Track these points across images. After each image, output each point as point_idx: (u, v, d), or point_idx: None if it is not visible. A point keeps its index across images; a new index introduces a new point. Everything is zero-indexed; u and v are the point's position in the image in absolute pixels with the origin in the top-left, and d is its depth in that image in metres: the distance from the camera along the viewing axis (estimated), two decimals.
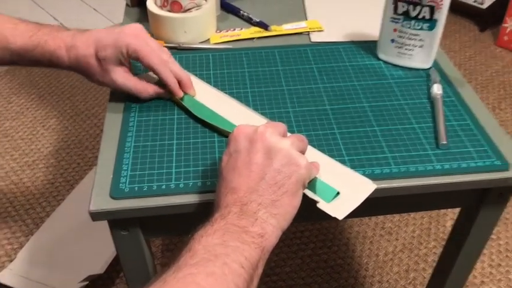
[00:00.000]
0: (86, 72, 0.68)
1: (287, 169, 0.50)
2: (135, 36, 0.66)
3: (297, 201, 0.51)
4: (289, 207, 0.50)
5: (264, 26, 0.89)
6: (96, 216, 0.57)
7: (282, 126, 0.55)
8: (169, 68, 0.68)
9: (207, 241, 0.45)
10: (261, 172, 0.50)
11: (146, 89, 0.70)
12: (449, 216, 1.37)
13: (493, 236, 1.29)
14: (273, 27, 0.88)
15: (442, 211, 1.39)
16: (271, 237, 0.48)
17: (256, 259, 0.45)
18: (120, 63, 0.67)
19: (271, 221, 0.48)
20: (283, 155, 0.51)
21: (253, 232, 0.47)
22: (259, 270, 0.46)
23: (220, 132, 0.66)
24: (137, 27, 0.68)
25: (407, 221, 1.36)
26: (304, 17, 0.93)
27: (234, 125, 0.66)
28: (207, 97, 0.72)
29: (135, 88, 0.69)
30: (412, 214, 1.39)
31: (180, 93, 0.69)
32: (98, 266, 1.16)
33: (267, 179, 0.50)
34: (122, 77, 0.68)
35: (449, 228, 1.32)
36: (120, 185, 0.59)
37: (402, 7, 0.74)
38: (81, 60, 0.66)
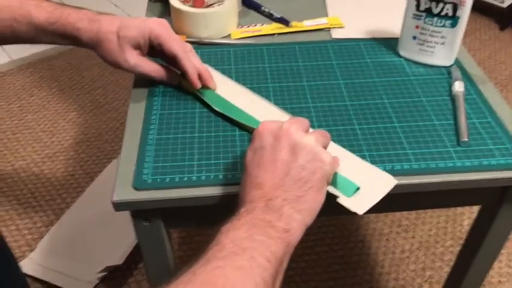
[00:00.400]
0: (101, 47, 0.68)
1: (312, 165, 0.51)
2: (160, 24, 0.68)
3: (322, 197, 0.52)
4: (314, 202, 0.50)
5: (284, 22, 0.89)
6: (119, 206, 0.58)
7: (305, 122, 0.55)
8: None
9: (235, 235, 0.45)
10: (286, 168, 0.50)
11: (159, 69, 0.71)
12: (466, 215, 1.37)
13: (510, 236, 1.28)
14: (293, 23, 0.89)
15: (459, 210, 1.38)
16: (296, 233, 0.48)
17: (282, 254, 0.46)
18: (138, 47, 0.68)
19: (296, 217, 0.49)
20: (307, 151, 0.51)
21: (279, 227, 0.47)
22: (284, 265, 0.47)
23: (243, 127, 0.67)
24: (162, 20, 0.70)
25: (424, 219, 1.36)
26: (325, 14, 0.93)
27: (257, 120, 0.66)
28: (228, 91, 0.72)
29: (148, 68, 0.70)
30: (429, 212, 1.38)
31: (199, 85, 0.70)
32: (117, 257, 1.18)
33: (292, 174, 0.50)
34: (135, 58, 0.69)
35: (466, 227, 1.32)
36: (143, 176, 0.60)
37: (425, 4, 0.74)
38: (102, 34, 0.67)
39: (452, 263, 0.88)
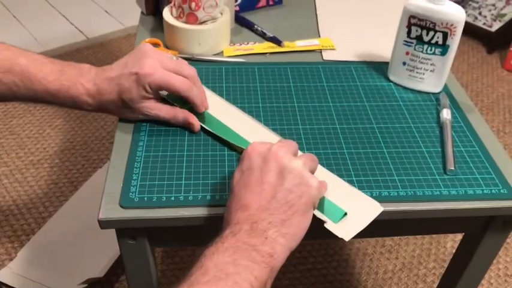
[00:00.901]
0: (115, 113, 0.69)
1: (298, 189, 0.51)
2: (153, 72, 0.64)
3: (307, 222, 0.52)
4: (299, 227, 0.51)
5: (277, 41, 0.90)
6: (104, 224, 0.58)
7: (294, 145, 0.56)
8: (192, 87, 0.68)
9: (219, 259, 0.45)
10: (272, 191, 0.51)
11: (176, 115, 0.69)
12: (450, 237, 1.38)
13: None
14: (286, 43, 0.89)
15: None
16: (280, 257, 0.48)
17: (265, 278, 0.46)
18: (148, 98, 0.66)
19: (281, 241, 0.49)
20: (295, 175, 0.52)
21: (263, 251, 0.47)
22: None
23: (232, 147, 0.67)
24: (150, 59, 0.65)
25: (407, 240, 1.36)
26: (317, 34, 0.94)
27: (247, 141, 0.66)
28: (219, 110, 0.72)
29: (171, 117, 0.69)
30: None
31: (203, 109, 0.70)
32: (98, 269, 1.17)
33: (278, 198, 0.50)
34: (153, 109, 0.68)
35: (450, 250, 1.33)
36: (130, 194, 0.59)
37: (416, 31, 0.75)
38: (107, 104, 0.67)
39: (435, 285, 0.89)
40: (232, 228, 0.49)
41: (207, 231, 0.63)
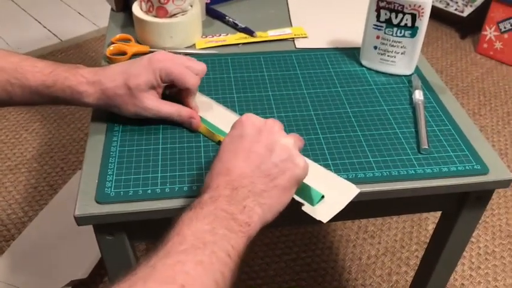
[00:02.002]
0: (114, 104, 0.65)
1: (284, 165, 0.52)
2: (166, 59, 0.65)
3: (286, 198, 0.52)
4: (277, 201, 0.51)
5: (249, 32, 0.90)
6: (81, 220, 0.57)
7: (282, 126, 0.57)
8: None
9: (197, 226, 0.45)
10: (258, 161, 0.51)
11: (180, 110, 0.67)
12: (431, 220, 1.40)
13: (473, 239, 1.31)
14: (258, 33, 0.89)
15: (424, 215, 1.41)
16: (256, 226, 0.49)
17: (242, 247, 0.46)
18: (152, 88, 0.65)
19: (258, 210, 0.49)
20: (283, 150, 0.53)
21: (241, 220, 0.47)
22: (242, 257, 0.47)
23: (211, 138, 0.67)
24: (165, 53, 0.67)
25: (389, 225, 1.38)
26: (289, 24, 0.94)
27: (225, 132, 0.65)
28: (214, 115, 0.70)
29: (170, 110, 0.67)
30: (395, 218, 1.41)
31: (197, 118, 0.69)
32: (81, 270, 1.16)
33: (262, 168, 0.51)
34: (155, 102, 0.66)
35: (431, 232, 1.34)
36: (106, 189, 0.59)
37: (385, 15, 0.76)
38: (108, 92, 0.64)
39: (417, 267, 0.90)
40: (212, 193, 0.49)
41: None
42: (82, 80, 0.64)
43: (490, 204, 1.42)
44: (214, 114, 0.71)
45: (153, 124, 0.69)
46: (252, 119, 0.55)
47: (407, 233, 1.36)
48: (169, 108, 0.67)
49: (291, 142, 0.54)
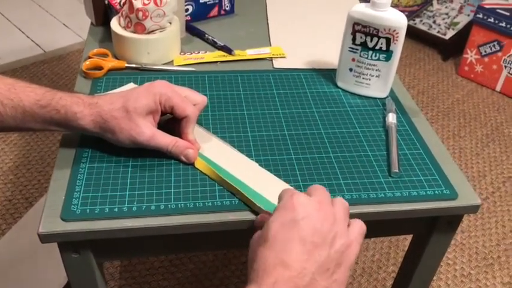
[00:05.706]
0: (109, 129, 0.62)
1: (341, 257, 0.49)
2: (167, 86, 0.64)
3: None
4: None
5: (228, 50, 0.90)
6: (45, 238, 0.56)
7: (346, 205, 0.54)
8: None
9: None
10: (317, 254, 0.47)
11: (174, 143, 0.65)
12: (408, 240, 1.39)
13: (449, 261, 1.32)
14: (236, 51, 0.90)
15: (402, 236, 1.42)
16: None
17: None
18: (150, 113, 0.63)
19: None
20: (344, 243, 0.49)
21: None
22: None
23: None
24: (165, 82, 0.65)
25: (367, 245, 1.38)
26: (269, 43, 0.95)
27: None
28: (214, 151, 0.68)
29: (163, 141, 0.64)
30: (373, 239, 1.41)
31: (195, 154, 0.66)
32: (54, 286, 1.13)
33: (321, 262, 0.47)
34: (151, 129, 0.63)
35: None
36: (72, 206, 0.58)
37: (360, 38, 0.76)
38: (105, 114, 0.61)
39: None
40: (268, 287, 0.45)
41: (152, 243, 0.63)
42: (78, 100, 0.62)
43: (467, 226, 1.43)
44: (214, 150, 0.68)
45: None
46: (302, 201, 0.50)
47: (385, 253, 1.36)
48: (166, 138, 0.64)
49: (352, 234, 0.51)
